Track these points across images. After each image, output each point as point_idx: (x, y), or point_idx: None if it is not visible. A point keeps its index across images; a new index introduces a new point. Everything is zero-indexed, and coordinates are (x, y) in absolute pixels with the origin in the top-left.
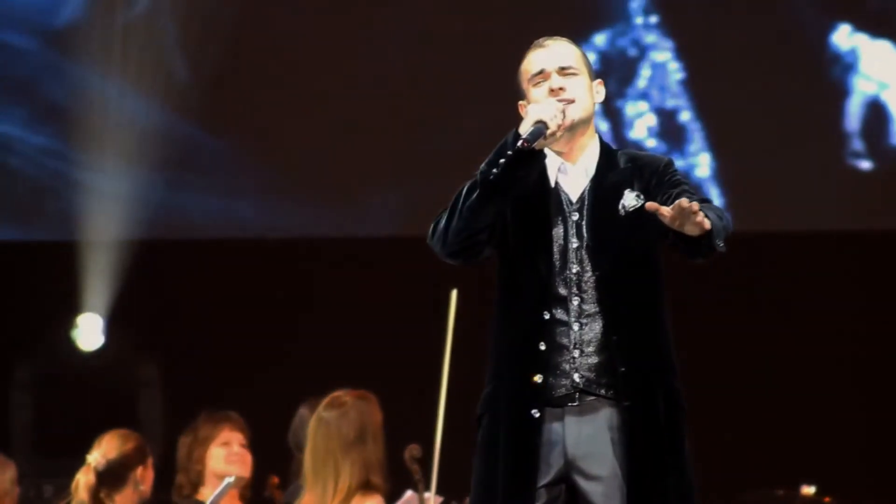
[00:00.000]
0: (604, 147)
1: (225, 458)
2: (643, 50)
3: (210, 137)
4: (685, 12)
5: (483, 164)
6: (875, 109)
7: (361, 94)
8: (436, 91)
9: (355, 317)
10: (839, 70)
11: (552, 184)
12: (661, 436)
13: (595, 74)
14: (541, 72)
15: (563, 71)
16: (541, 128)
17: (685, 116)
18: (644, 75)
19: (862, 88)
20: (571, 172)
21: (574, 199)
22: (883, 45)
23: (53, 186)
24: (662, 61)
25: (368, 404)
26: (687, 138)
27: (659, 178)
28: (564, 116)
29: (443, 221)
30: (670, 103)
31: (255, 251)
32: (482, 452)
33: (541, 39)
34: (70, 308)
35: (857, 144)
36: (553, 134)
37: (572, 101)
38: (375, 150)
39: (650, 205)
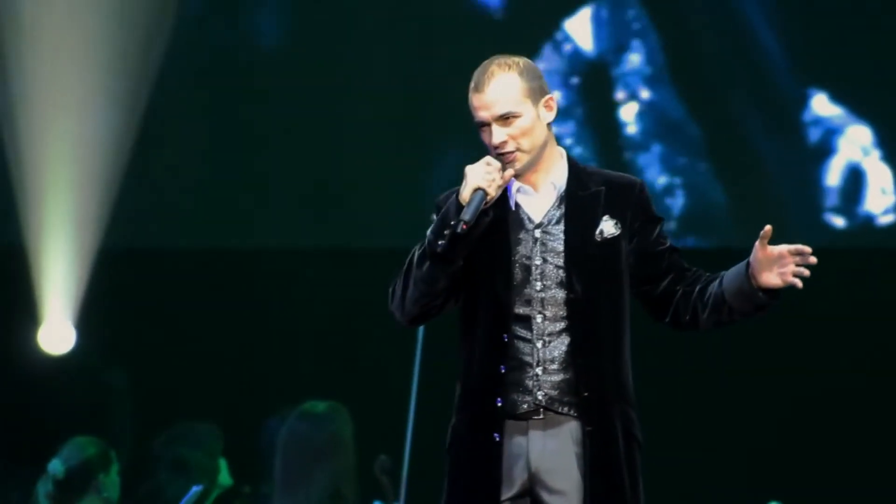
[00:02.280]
0: (572, 165)
1: (229, 471)
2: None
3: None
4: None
5: (429, 233)
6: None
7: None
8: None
9: (328, 327)
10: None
11: (512, 203)
12: (621, 462)
13: (543, 91)
14: (481, 123)
15: (502, 119)
16: (480, 195)
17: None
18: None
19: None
20: (534, 191)
21: (537, 217)
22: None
23: None
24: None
25: (340, 415)
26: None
27: (635, 211)
28: (503, 172)
29: (398, 289)
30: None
31: (228, 260)
32: (451, 485)
33: (476, 76)
34: (37, 311)
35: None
36: (493, 196)
37: (514, 156)
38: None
39: (767, 230)
